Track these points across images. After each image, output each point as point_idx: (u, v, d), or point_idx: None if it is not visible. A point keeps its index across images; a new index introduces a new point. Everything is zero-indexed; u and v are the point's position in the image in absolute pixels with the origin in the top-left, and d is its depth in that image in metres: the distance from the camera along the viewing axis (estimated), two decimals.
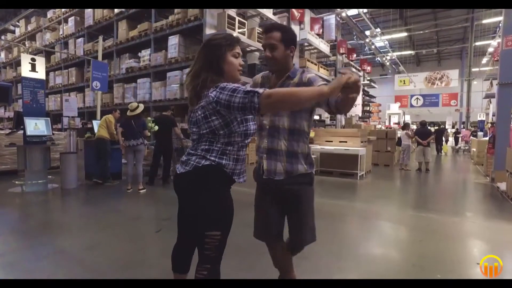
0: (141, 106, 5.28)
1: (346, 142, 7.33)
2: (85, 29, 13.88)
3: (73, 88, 14.81)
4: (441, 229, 3.58)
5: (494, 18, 18.27)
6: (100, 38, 7.35)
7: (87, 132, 7.09)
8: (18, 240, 3.00)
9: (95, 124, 6.38)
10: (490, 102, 17.53)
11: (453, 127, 23.74)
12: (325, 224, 3.68)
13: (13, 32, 19.56)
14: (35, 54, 15.08)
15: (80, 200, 4.91)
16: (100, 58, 7.20)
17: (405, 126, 9.09)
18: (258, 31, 10.55)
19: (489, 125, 13.41)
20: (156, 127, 5.60)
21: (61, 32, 15.32)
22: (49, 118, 5.25)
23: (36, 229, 3.35)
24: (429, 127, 8.90)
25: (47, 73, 16.43)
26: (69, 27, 14.69)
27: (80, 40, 13.95)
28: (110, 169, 5.89)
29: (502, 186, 5.43)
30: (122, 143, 5.18)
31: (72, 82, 14.75)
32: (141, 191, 5.15)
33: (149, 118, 5.70)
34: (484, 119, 17.19)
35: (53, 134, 5.60)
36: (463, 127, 21.60)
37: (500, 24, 20.85)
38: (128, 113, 5.22)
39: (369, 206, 4.68)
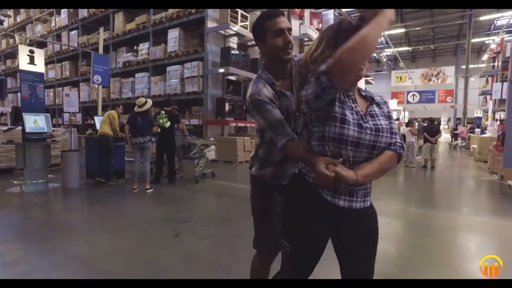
0: (149, 102, 5.03)
1: None
2: (79, 21, 13.40)
3: (67, 82, 14.35)
4: (464, 229, 3.50)
5: (490, 15, 18.35)
6: (101, 29, 7.01)
7: (88, 128, 6.78)
8: (27, 246, 2.78)
9: (97, 120, 6.10)
10: (486, 100, 17.70)
11: (446, 124, 23.99)
12: None
13: (1, 23, 18.75)
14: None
15: (85, 200, 4.67)
16: (101, 50, 6.88)
17: (409, 123, 9.04)
18: None
19: (489, 122, 13.51)
20: (168, 123, 5.36)
21: (53, 24, 14.77)
22: (49, 114, 4.98)
23: (45, 233, 3.12)
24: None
25: None
26: (62, 19, 14.17)
27: (73, 32, 13.46)
28: (113, 167, 5.65)
29: None
30: (130, 141, 4.97)
31: (65, 76, 14.28)
32: (148, 190, 4.94)
33: (162, 113, 5.44)
34: (480, 115, 17.34)
35: (52, 130, 5.31)
36: (458, 123, 21.81)
37: (495, 21, 21.04)
38: (136, 109, 4.99)
39: (385, 205, 4.57)
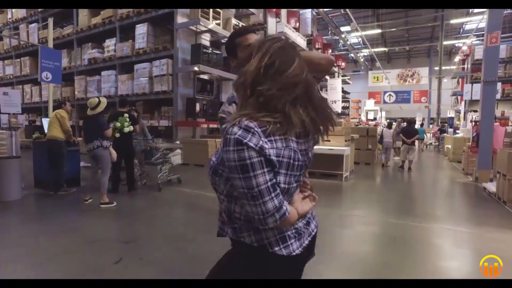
0: (103, 103, 4.35)
1: (329, 141, 6.94)
2: (39, 13, 12.37)
3: (28, 80, 13.21)
4: (444, 240, 3.26)
5: (460, 19, 18.90)
6: (50, 20, 6.26)
7: (35, 131, 6.05)
8: None
9: (45, 122, 5.41)
10: (458, 101, 18.21)
11: (421, 126, 24.53)
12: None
13: None
14: None
15: (24, 215, 4.05)
16: (50, 44, 6.15)
17: (390, 125, 8.96)
18: (235, 23, 9.87)
19: (461, 122, 13.82)
20: (130, 128, 4.84)
21: (9, 16, 13.56)
22: None
23: None
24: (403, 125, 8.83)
25: None
26: (19, 10, 13.03)
27: (33, 25, 12.40)
28: (65, 175, 5.01)
29: (490, 187, 5.29)
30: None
31: (26, 73, 13.14)
32: (103, 206, 4.25)
33: (125, 115, 4.90)
34: (453, 116, 17.83)
35: None
36: (431, 123, 22.37)
37: (464, 26, 21.81)
38: (88, 112, 4.32)
39: (362, 213, 4.29)
